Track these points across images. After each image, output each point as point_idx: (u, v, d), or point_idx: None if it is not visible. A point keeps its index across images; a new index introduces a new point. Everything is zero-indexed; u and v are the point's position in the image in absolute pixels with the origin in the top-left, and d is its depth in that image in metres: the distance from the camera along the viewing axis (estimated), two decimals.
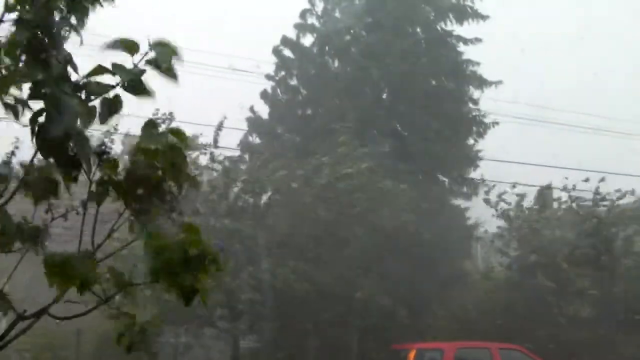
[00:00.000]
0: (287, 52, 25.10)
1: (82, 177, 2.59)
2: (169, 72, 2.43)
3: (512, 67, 29.39)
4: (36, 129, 2.38)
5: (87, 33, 2.63)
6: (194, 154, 20.07)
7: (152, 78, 2.50)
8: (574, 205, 23.19)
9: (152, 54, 2.45)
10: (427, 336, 20.65)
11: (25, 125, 2.48)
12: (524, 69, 33.95)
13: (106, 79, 2.40)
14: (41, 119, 2.39)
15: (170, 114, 18.49)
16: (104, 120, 2.40)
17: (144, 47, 2.45)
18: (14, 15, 2.42)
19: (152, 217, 2.67)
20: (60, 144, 2.44)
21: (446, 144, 23.84)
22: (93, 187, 2.62)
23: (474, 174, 25.02)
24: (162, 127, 2.56)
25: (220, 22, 43.74)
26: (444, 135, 23.71)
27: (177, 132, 2.63)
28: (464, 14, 24.71)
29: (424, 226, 21.36)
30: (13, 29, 2.39)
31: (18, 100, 2.45)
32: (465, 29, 24.74)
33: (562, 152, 26.85)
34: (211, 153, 20.52)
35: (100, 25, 2.46)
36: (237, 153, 22.66)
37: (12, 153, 2.75)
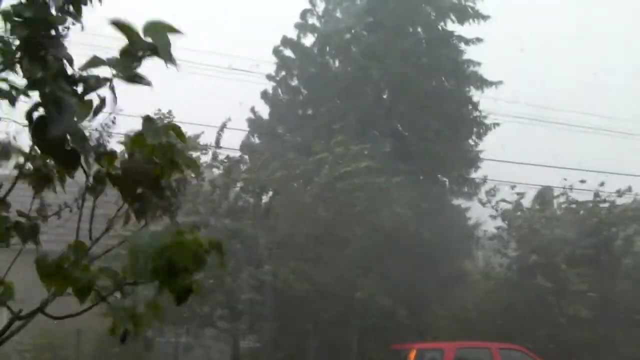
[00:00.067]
0: (288, 52, 25.11)
1: (77, 173, 2.58)
2: (168, 57, 2.38)
3: (512, 67, 29.43)
4: (33, 123, 2.36)
5: (87, 33, 2.62)
6: (195, 154, 20.13)
7: (152, 74, 2.48)
8: (572, 205, 23.21)
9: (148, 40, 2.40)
10: (427, 336, 20.65)
11: (21, 124, 2.47)
12: (524, 69, 34.00)
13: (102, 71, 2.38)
14: (37, 113, 2.38)
15: (169, 112, 18.55)
16: (97, 113, 2.38)
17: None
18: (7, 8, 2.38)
19: (153, 213, 2.65)
20: (59, 140, 2.44)
21: (446, 144, 23.84)
22: (90, 182, 2.60)
23: (474, 174, 25.05)
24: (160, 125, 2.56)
25: (220, 22, 43.78)
26: (444, 135, 23.71)
27: (175, 129, 2.62)
28: (465, 14, 24.70)
29: (424, 226, 21.37)
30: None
31: (13, 87, 2.42)
32: (466, 29, 24.77)
33: (562, 152, 26.87)
34: (214, 153, 20.62)
35: (100, 25, 2.44)
36: (237, 153, 22.65)
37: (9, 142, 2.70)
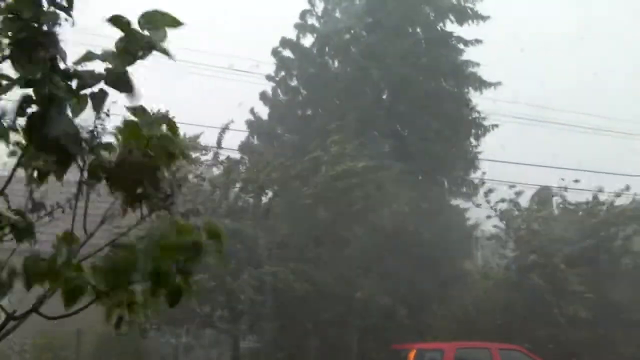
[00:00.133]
0: (287, 53, 25.10)
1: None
2: (163, 51, 2.36)
3: (512, 67, 29.44)
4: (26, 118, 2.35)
5: (86, 33, 2.61)
6: (195, 155, 20.16)
7: (151, 74, 2.46)
8: (570, 206, 23.23)
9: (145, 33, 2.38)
10: (427, 336, 20.64)
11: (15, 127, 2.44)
12: (524, 69, 34.03)
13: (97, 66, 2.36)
14: (30, 109, 2.36)
15: (167, 112, 18.49)
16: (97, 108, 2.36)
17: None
18: None
19: (150, 206, 2.62)
20: (53, 138, 2.42)
21: (446, 144, 23.84)
22: (84, 178, 2.58)
23: (474, 175, 25.04)
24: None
25: (220, 22, 43.82)
26: (443, 136, 23.70)
27: (169, 122, 2.58)
28: (464, 14, 24.69)
29: (423, 226, 21.37)
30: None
31: (3, 76, 2.40)
32: (465, 30, 24.75)
33: (562, 152, 26.89)
34: (215, 153, 20.65)
35: (100, 25, 2.43)
36: (236, 154, 22.65)
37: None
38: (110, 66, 2.38)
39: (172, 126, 2.57)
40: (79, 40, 2.81)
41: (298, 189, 19.75)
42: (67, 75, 2.38)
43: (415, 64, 23.91)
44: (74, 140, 2.47)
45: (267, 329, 20.06)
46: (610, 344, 20.84)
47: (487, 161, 24.72)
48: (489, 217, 23.24)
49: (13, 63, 2.37)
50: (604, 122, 29.70)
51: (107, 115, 2.50)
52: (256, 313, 19.01)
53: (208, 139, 21.04)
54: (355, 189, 19.74)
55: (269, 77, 25.02)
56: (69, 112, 2.46)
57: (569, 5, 44.21)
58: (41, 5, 2.36)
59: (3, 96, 2.44)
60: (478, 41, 24.59)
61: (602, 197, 23.25)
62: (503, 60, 29.14)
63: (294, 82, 25.19)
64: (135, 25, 2.40)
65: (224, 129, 20.77)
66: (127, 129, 2.53)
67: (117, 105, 2.57)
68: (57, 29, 2.41)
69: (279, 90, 25.17)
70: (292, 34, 25.03)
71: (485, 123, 24.84)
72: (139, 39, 2.39)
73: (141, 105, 2.49)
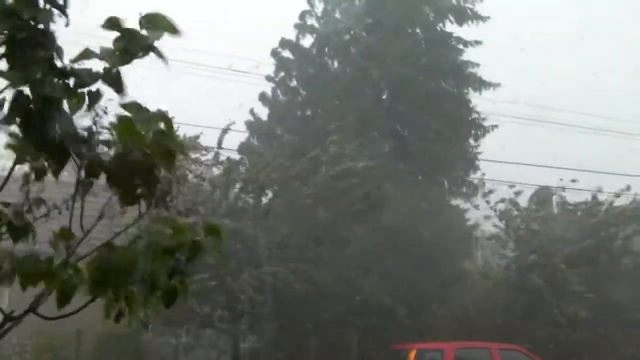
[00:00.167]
0: (287, 54, 25.09)
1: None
2: (158, 53, 2.37)
3: (512, 67, 29.44)
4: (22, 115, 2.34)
5: (86, 34, 2.61)
6: (195, 155, 20.17)
7: (151, 75, 2.47)
8: (569, 206, 23.25)
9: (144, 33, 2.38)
10: (427, 336, 20.64)
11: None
12: (524, 69, 34.04)
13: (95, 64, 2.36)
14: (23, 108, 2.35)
15: (166, 111, 18.46)
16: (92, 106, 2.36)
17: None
18: None
19: (148, 204, 2.62)
20: (50, 137, 2.42)
21: (446, 144, 23.86)
22: (81, 176, 2.57)
23: (474, 175, 25.04)
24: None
25: (220, 22, 43.83)
26: (443, 136, 23.71)
27: (164, 117, 2.56)
28: (464, 15, 24.69)
29: (423, 226, 21.38)
30: None
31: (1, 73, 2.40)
32: (466, 30, 24.76)
33: (562, 152, 26.89)
34: (216, 153, 20.64)
35: (99, 25, 2.42)
36: (236, 154, 22.64)
37: None
38: (108, 65, 2.38)
39: (169, 123, 2.55)
40: (79, 40, 2.81)
41: (298, 189, 19.75)
42: (65, 73, 2.38)
43: (415, 64, 23.91)
44: (74, 139, 2.46)
45: (267, 329, 20.06)
46: (610, 344, 20.84)
47: (487, 161, 24.74)
48: (487, 217, 23.27)
49: (9, 62, 2.36)
50: (604, 122, 29.74)
51: (105, 112, 2.49)
52: (256, 313, 19.01)
53: (208, 139, 21.04)
54: (355, 189, 19.74)
55: (268, 78, 25.02)
56: (67, 111, 2.46)
57: (569, 5, 44.25)
58: (37, 5, 2.35)
59: None
60: (478, 42, 24.60)
61: (602, 197, 23.29)
62: (503, 60, 29.17)
63: (293, 83, 25.19)
64: (133, 24, 2.40)
65: (225, 129, 20.77)
66: (121, 125, 2.50)
67: (114, 104, 2.57)
68: (53, 28, 2.41)
69: (278, 91, 25.17)
70: (291, 35, 25.07)
71: (485, 123, 24.88)
72: (139, 39, 2.39)
73: (135, 101, 2.47)
